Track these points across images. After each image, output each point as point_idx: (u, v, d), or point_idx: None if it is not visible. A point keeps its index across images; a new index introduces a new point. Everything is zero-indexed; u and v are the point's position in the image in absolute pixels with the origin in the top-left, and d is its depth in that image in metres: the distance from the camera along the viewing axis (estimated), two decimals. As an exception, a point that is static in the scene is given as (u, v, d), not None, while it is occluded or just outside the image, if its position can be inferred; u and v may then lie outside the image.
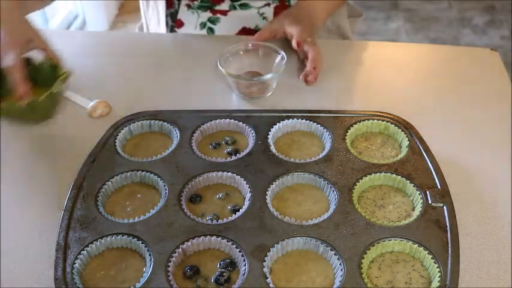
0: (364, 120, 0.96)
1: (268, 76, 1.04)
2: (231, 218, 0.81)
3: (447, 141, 0.98)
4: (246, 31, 1.26)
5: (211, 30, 1.28)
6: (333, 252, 0.76)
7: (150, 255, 0.76)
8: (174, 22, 1.29)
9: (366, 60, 1.21)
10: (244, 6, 1.23)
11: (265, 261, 0.75)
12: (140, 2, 1.34)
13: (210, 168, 0.88)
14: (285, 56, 1.07)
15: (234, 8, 1.23)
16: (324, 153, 0.91)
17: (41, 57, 0.98)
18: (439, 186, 0.84)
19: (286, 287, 0.74)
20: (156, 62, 1.18)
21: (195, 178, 0.87)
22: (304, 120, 0.96)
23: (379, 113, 0.97)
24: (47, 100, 0.92)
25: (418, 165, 0.88)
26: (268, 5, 1.23)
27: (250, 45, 1.10)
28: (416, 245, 0.76)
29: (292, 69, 1.13)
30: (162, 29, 1.31)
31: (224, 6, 1.23)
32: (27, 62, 0.97)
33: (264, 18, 1.24)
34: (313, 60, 1.08)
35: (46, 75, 0.97)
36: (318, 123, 0.95)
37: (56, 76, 0.96)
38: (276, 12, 1.24)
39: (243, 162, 0.89)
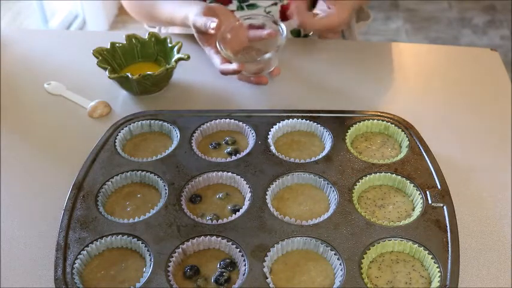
0: (364, 120, 0.96)
1: (268, 55, 1.02)
2: (231, 218, 0.81)
3: (447, 141, 0.98)
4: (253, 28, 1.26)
5: None
6: (333, 252, 0.76)
7: (150, 255, 0.76)
8: None
9: (366, 60, 1.21)
10: (252, 6, 1.23)
11: (265, 261, 0.75)
12: None
13: (210, 168, 0.88)
14: (284, 28, 1.04)
15: (242, 8, 1.23)
16: (324, 153, 0.91)
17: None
18: (439, 186, 0.84)
19: (286, 287, 0.74)
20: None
21: (195, 178, 0.87)
22: (304, 120, 0.96)
23: (379, 113, 0.97)
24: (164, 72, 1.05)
25: (418, 165, 0.88)
26: (276, 4, 1.23)
27: (246, 21, 1.09)
28: (416, 245, 0.76)
29: (292, 69, 1.13)
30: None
31: (232, 6, 1.24)
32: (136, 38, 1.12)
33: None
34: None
35: (152, 49, 1.13)
36: (318, 123, 0.95)
37: (165, 49, 1.11)
38: (283, 11, 1.24)
39: (243, 162, 0.89)
